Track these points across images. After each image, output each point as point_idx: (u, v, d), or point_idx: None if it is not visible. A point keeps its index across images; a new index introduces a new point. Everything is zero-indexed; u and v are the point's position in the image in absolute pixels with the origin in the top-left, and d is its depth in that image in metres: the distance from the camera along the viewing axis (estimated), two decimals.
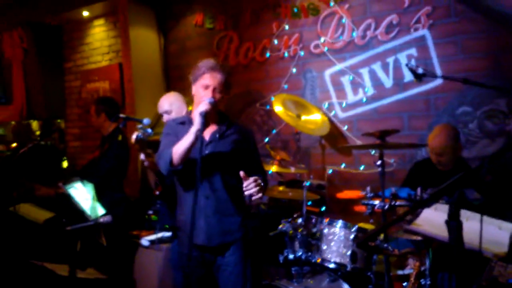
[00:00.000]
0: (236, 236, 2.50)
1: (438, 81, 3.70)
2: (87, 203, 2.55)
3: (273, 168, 3.59)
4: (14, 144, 4.86)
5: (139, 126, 2.65)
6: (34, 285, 3.37)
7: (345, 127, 4.12)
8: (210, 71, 2.50)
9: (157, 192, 3.23)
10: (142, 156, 2.72)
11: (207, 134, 2.54)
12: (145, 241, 3.70)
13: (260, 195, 2.37)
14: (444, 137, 3.07)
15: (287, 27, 4.43)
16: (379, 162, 2.64)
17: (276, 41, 4.50)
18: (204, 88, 2.48)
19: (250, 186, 2.35)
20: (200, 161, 2.23)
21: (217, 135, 2.53)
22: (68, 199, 2.61)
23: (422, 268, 2.54)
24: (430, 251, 2.56)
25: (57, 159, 4.62)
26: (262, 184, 2.40)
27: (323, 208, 3.92)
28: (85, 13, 5.67)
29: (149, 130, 2.66)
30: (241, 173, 2.35)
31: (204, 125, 2.33)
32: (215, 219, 2.46)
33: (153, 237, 3.74)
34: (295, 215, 3.05)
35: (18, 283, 3.57)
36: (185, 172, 2.54)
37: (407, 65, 2.88)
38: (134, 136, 2.55)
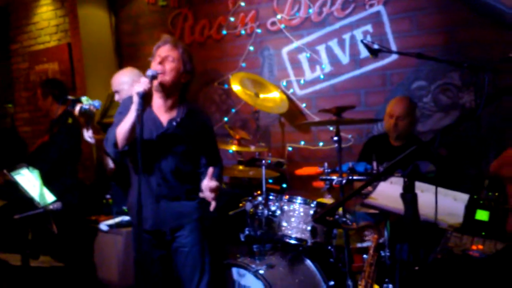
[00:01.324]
0: (191, 218, 2.47)
1: (394, 57, 3.73)
2: (35, 190, 2.43)
3: (233, 148, 3.55)
4: None
5: (84, 97, 2.52)
6: None
7: (304, 105, 4.12)
8: (162, 44, 2.41)
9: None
10: (86, 134, 2.58)
11: (165, 119, 2.44)
12: (103, 225, 3.62)
13: (214, 203, 2.35)
14: (407, 102, 3.24)
15: (243, 4, 4.34)
16: (336, 138, 2.65)
17: (232, 19, 4.41)
18: (157, 63, 2.36)
19: (206, 194, 2.34)
20: (139, 145, 2.11)
21: (174, 123, 2.43)
22: (15, 186, 2.48)
23: (381, 240, 2.59)
24: (388, 223, 2.61)
25: (18, 143, 4.39)
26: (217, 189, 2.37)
27: (284, 186, 3.92)
28: None
29: (96, 102, 2.53)
30: (210, 171, 2.34)
31: (143, 105, 2.16)
32: (167, 205, 2.41)
33: (111, 221, 3.65)
34: (255, 194, 3.03)
35: None
36: (135, 156, 2.46)
37: (362, 41, 2.88)
38: (77, 108, 2.40)
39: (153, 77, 2.27)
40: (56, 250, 3.15)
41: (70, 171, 3.63)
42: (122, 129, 2.28)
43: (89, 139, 2.65)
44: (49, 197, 2.42)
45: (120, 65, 5.08)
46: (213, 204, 2.36)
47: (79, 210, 3.58)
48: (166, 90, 2.40)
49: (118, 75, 3.15)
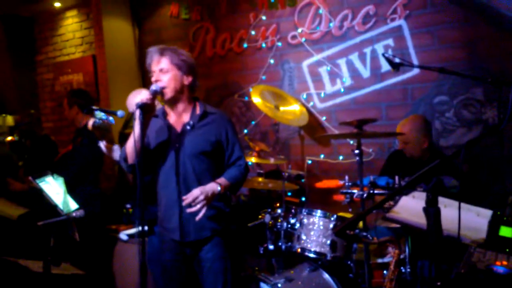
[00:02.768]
0: (213, 231, 2.44)
1: (415, 71, 3.72)
2: (58, 197, 2.47)
3: (253, 159, 3.56)
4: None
5: (97, 111, 2.56)
6: (8, 282, 3.28)
7: (324, 118, 4.12)
8: (149, 60, 2.40)
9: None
10: (101, 144, 2.62)
11: (179, 125, 2.45)
12: (123, 235, 3.64)
13: (198, 207, 2.28)
14: (409, 127, 3.10)
15: (264, 17, 4.39)
16: (357, 151, 2.64)
17: (253, 32, 4.45)
18: (154, 81, 2.38)
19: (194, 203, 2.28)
20: (140, 155, 2.14)
21: (188, 127, 2.43)
22: (40, 193, 2.53)
23: (402, 256, 2.55)
24: (409, 239, 2.58)
25: (50, 149, 4.48)
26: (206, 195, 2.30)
27: (303, 199, 3.91)
28: (57, 4, 5.53)
29: (119, 112, 2.57)
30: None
31: (143, 117, 2.17)
32: (190, 214, 2.37)
33: (131, 231, 3.68)
34: (274, 206, 3.03)
35: None
36: (155, 168, 2.48)
37: (383, 54, 2.88)
38: (90, 122, 2.44)
39: (156, 92, 2.30)
40: (77, 258, 3.18)
41: (92, 180, 3.68)
42: (129, 144, 2.32)
43: (104, 149, 2.71)
44: (72, 205, 2.46)
45: (143, 77, 5.17)
46: (190, 209, 2.29)
47: (101, 219, 3.61)
48: (174, 98, 2.41)
49: (132, 97, 3.20)
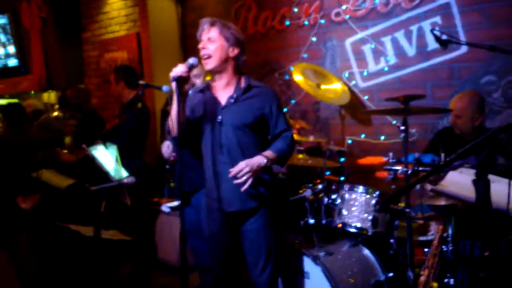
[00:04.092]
0: (258, 201, 2.48)
1: (463, 50, 3.63)
2: (110, 164, 2.58)
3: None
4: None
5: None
6: (60, 246, 3.45)
7: (366, 97, 4.08)
8: (200, 30, 2.46)
9: (167, 166, 3.24)
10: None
11: (223, 98, 2.49)
12: (166, 207, 3.77)
13: (243, 179, 2.32)
14: (467, 100, 3.02)
15: None
16: (402, 128, 2.61)
17: (296, 9, 4.43)
18: (202, 48, 2.44)
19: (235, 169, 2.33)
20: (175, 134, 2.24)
21: (232, 100, 2.46)
22: (92, 162, 2.64)
23: (445, 234, 2.53)
24: (452, 219, 2.55)
25: (98, 124, 4.65)
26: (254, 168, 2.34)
27: (342, 178, 3.91)
28: None
29: (164, 87, 2.61)
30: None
31: (179, 88, 2.24)
32: (235, 184, 2.40)
33: (174, 203, 3.80)
34: (315, 182, 3.05)
35: (44, 244, 3.66)
36: (200, 139, 2.54)
37: (432, 31, 2.82)
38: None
39: (192, 66, 2.33)
40: (125, 225, 3.31)
41: (137, 153, 3.78)
42: (171, 117, 2.38)
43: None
44: (124, 172, 2.56)
45: (185, 55, 5.24)
46: (236, 181, 2.33)
47: (144, 189, 3.72)
48: (219, 69, 2.46)
49: None
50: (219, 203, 2.49)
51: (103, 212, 2.64)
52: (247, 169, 2.32)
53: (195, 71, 3.19)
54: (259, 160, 2.37)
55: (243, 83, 2.50)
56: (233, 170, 2.33)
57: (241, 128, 2.45)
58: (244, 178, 2.32)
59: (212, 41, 2.42)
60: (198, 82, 3.18)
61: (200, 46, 2.45)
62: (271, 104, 2.51)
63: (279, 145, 2.48)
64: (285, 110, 4.51)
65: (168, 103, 2.55)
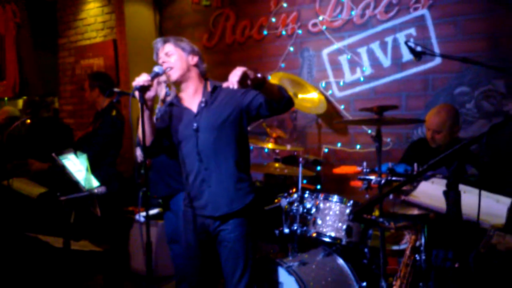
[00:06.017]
0: (244, 202, 2.45)
1: (437, 61, 3.68)
2: (81, 174, 2.52)
3: (269, 145, 3.57)
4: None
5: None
6: (29, 257, 3.36)
7: (342, 107, 4.11)
8: (155, 50, 2.51)
9: (142, 171, 3.19)
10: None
11: (194, 106, 2.50)
12: (140, 216, 3.70)
13: (232, 84, 2.08)
14: (444, 115, 3.02)
15: (285, 4, 4.38)
16: (376, 138, 2.62)
17: (273, 19, 4.45)
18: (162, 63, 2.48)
19: (230, 77, 2.09)
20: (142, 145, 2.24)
21: (203, 105, 2.47)
22: (62, 170, 2.58)
23: (417, 244, 2.55)
24: (425, 228, 2.57)
25: (62, 129, 4.56)
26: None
27: (318, 187, 3.92)
28: None
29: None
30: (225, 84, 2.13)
31: (143, 97, 2.24)
32: (220, 188, 2.42)
33: (149, 212, 3.73)
34: (290, 191, 3.04)
35: (13, 254, 3.56)
36: (178, 148, 2.53)
37: (406, 42, 2.85)
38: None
39: (158, 74, 2.36)
40: (96, 236, 3.24)
41: (111, 161, 3.73)
42: (140, 127, 2.34)
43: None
44: (94, 182, 2.51)
45: None
46: (229, 83, 2.10)
47: (118, 199, 3.67)
48: (183, 78, 2.48)
49: None
50: (205, 209, 2.47)
51: (73, 223, 2.59)
52: (238, 72, 2.08)
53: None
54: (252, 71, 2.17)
55: (209, 87, 2.53)
56: (227, 83, 2.10)
57: (217, 128, 2.44)
58: (234, 79, 2.08)
59: (170, 55, 2.47)
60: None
61: (160, 61, 2.48)
62: (241, 93, 2.42)
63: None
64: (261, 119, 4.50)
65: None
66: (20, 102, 6.33)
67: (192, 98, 2.52)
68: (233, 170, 2.44)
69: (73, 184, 2.54)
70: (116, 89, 3.37)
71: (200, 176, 2.45)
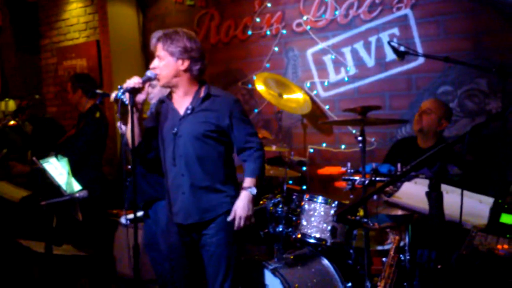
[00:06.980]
0: (217, 213, 2.43)
1: (420, 61, 3.71)
2: (62, 178, 2.48)
3: None
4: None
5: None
6: (10, 262, 3.30)
7: (327, 107, 4.11)
8: (151, 42, 2.44)
9: (129, 166, 3.15)
10: (119, 124, 2.55)
11: (182, 109, 2.45)
12: (124, 219, 3.66)
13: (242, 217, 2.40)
14: (442, 103, 3.18)
15: (269, 4, 4.37)
16: (360, 138, 2.63)
17: (258, 19, 4.43)
18: (152, 68, 2.45)
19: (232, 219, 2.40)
20: (124, 145, 2.29)
21: (189, 111, 2.42)
22: (43, 174, 2.53)
23: (401, 244, 2.56)
24: (409, 227, 2.59)
25: (57, 128, 4.48)
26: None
27: (304, 187, 3.92)
28: None
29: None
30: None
31: (132, 99, 2.24)
32: (192, 196, 2.39)
33: (132, 216, 3.69)
34: (275, 192, 3.03)
35: None
36: (160, 152, 2.51)
37: (389, 42, 2.87)
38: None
39: (150, 79, 2.35)
40: (79, 240, 3.20)
41: (94, 164, 3.68)
42: (128, 128, 2.33)
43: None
44: (76, 186, 2.47)
45: (147, 63, 5.16)
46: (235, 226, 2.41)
47: (101, 202, 3.62)
48: (171, 84, 2.45)
49: None
50: (177, 216, 2.44)
51: (55, 227, 2.54)
52: (242, 220, 2.40)
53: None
54: (246, 197, 2.39)
55: (202, 93, 2.45)
56: (235, 226, 2.40)
57: (199, 139, 2.40)
58: (243, 224, 2.40)
59: (161, 59, 2.41)
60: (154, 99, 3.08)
61: (151, 66, 2.44)
62: (231, 113, 2.42)
63: (251, 165, 2.44)
64: None
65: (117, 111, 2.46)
66: (2, 104, 6.21)
67: (182, 99, 2.47)
68: (209, 181, 2.40)
69: (54, 188, 2.49)
70: (98, 91, 3.34)
71: (176, 181, 2.43)
